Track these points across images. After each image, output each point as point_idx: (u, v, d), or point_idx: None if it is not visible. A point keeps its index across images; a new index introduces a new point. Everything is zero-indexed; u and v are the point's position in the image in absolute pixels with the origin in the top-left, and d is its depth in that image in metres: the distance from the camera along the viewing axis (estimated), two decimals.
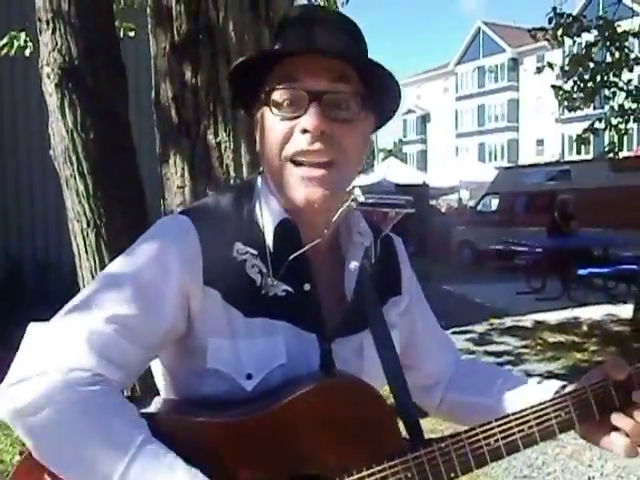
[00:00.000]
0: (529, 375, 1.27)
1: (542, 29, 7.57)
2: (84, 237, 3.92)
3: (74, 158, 3.85)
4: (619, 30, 7.35)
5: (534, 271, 11.11)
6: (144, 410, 0.99)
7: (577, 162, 16.83)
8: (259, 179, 1.09)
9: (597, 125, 7.46)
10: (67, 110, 3.84)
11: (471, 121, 52.88)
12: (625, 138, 7.92)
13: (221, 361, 0.99)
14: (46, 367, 0.87)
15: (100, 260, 3.92)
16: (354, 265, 1.07)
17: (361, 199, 1.05)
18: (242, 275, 1.00)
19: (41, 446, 0.88)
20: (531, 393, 1.12)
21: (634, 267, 7.96)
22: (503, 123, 49.92)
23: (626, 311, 7.41)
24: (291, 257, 1.01)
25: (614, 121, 7.48)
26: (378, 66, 0.99)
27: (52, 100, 3.86)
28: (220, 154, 2.25)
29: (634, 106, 7.47)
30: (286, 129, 0.98)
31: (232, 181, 2.26)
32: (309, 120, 0.95)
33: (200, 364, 1.00)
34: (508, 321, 8.22)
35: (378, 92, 1.04)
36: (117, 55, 4.07)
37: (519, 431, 0.99)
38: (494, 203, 16.02)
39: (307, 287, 1.03)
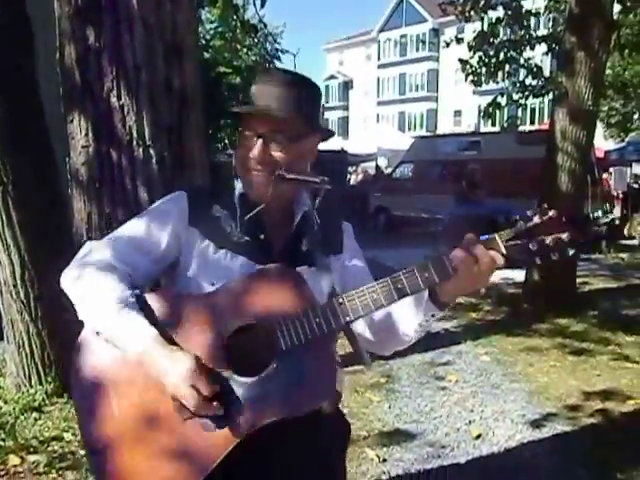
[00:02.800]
0: (428, 332, 1.60)
1: (452, 3, 7.86)
2: None
3: None
4: (524, 9, 7.74)
5: (442, 237, 11.61)
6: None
7: (487, 133, 17.50)
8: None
9: (499, 99, 7.87)
10: None
11: (392, 89, 53.43)
12: (536, 112, 8.37)
13: (196, 272, 1.53)
14: (87, 259, 1.49)
15: (7, 218, 3.94)
16: (295, 223, 1.59)
17: (284, 175, 1.49)
18: (217, 225, 1.55)
19: (74, 300, 1.47)
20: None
21: None
22: (423, 93, 50.66)
23: (521, 275, 7.93)
24: (247, 216, 1.53)
25: (515, 96, 7.91)
26: (300, 117, 1.53)
27: None
28: (123, 116, 2.37)
29: (534, 82, 7.92)
30: (246, 151, 1.54)
31: (135, 142, 2.39)
32: (254, 151, 1.51)
33: (184, 275, 1.54)
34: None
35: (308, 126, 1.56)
36: (22, 10, 4.02)
37: (394, 285, 1.42)
38: (409, 171, 16.48)
39: (262, 236, 1.56)
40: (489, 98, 8.17)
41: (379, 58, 54.32)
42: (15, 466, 3.26)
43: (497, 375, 5.06)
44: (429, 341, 5.31)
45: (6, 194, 3.91)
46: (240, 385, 1.38)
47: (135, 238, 1.53)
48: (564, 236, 1.41)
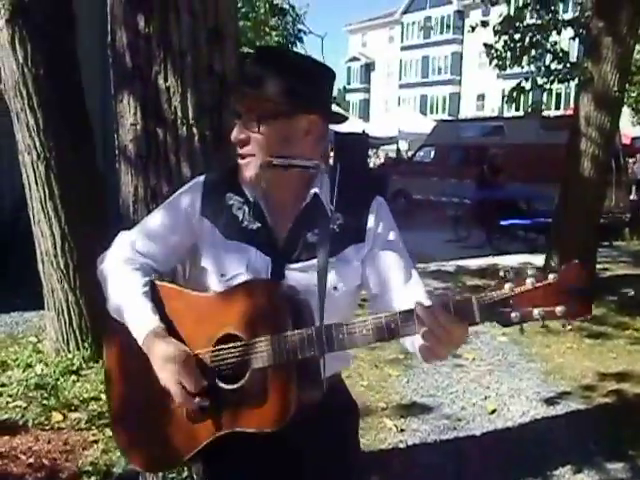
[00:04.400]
0: None
1: None
2: (34, 169, 4.13)
3: (24, 92, 4.02)
4: None
5: (461, 221, 11.71)
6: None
7: (510, 118, 17.43)
8: None
9: (524, 84, 7.90)
10: (17, 45, 3.99)
11: (415, 72, 52.93)
12: (562, 97, 8.38)
13: (208, 263, 1.54)
14: (112, 254, 1.59)
15: (50, 192, 4.15)
16: (296, 214, 1.51)
17: (271, 162, 1.43)
18: (229, 213, 1.53)
19: (105, 287, 1.55)
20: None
21: (550, 219, 8.54)
22: (446, 76, 50.08)
23: (541, 260, 8.01)
24: (256, 204, 1.51)
25: (540, 81, 7.93)
26: (280, 93, 1.43)
27: (2, 35, 3.99)
28: (169, 97, 2.53)
29: (560, 67, 7.94)
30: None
31: (179, 121, 2.55)
32: (233, 133, 1.47)
33: (198, 265, 1.58)
34: (432, 266, 8.78)
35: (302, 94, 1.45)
36: None
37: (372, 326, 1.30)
38: (430, 155, 16.48)
39: (270, 225, 1.51)
40: (513, 82, 8.18)
41: (402, 40, 53.76)
42: (58, 422, 3.49)
43: (513, 355, 5.20)
44: None
45: (49, 169, 4.11)
46: (219, 389, 1.40)
47: (153, 231, 1.58)
48: (558, 310, 1.19)
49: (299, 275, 1.48)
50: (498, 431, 3.80)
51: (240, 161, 1.48)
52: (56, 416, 3.52)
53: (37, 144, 4.07)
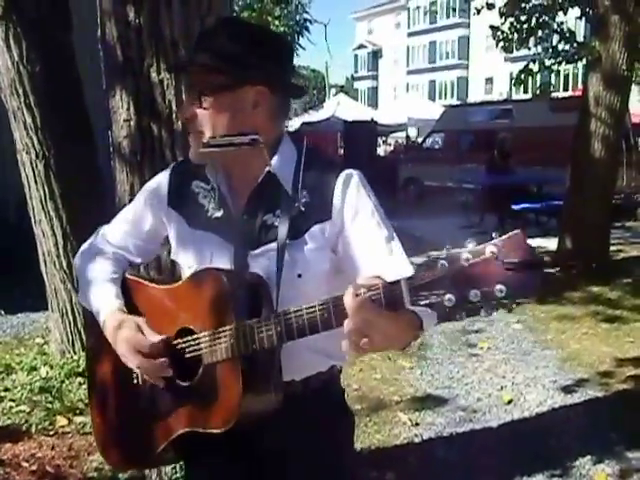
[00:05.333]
0: None
1: None
2: (33, 168, 4.07)
3: (21, 90, 3.94)
4: None
5: (473, 206, 11.57)
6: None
7: (519, 101, 17.22)
8: None
9: (532, 66, 7.76)
10: (12, 42, 3.91)
11: (422, 58, 52.59)
12: (570, 78, 8.25)
13: (176, 255, 1.51)
14: (86, 246, 1.59)
15: (50, 191, 4.08)
16: (247, 195, 1.42)
17: (206, 143, 1.36)
18: (195, 201, 1.46)
19: (79, 280, 1.56)
20: None
21: (562, 202, 8.42)
22: (454, 60, 49.74)
23: (554, 243, 7.89)
24: (217, 190, 1.44)
25: (547, 62, 7.79)
26: (216, 63, 1.35)
27: None
28: (162, 90, 2.44)
29: (567, 47, 7.79)
30: None
31: (174, 116, 2.47)
32: (181, 109, 1.50)
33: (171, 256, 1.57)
34: (444, 253, 8.66)
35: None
36: None
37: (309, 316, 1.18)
38: (440, 141, 16.34)
39: (230, 211, 1.42)
40: (521, 65, 8.06)
41: (409, 26, 53.41)
42: (62, 427, 3.43)
43: (529, 342, 5.10)
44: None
45: (48, 168, 4.05)
46: (177, 387, 1.36)
47: (125, 222, 1.57)
48: (497, 289, 1.01)
49: (263, 262, 1.36)
50: (515, 422, 3.72)
51: (190, 140, 1.42)
52: (60, 420, 3.46)
53: (35, 143, 4.00)
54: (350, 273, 1.35)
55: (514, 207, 10.04)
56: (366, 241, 1.36)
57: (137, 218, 1.55)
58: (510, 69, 40.98)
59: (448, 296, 1.03)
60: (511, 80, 8.41)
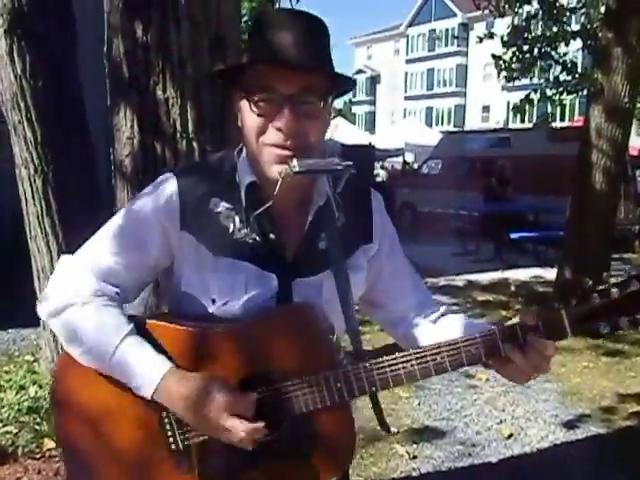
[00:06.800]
0: None
1: None
2: (31, 183, 3.99)
3: (22, 104, 3.88)
4: (558, 4, 7.64)
5: (470, 234, 11.54)
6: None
7: (517, 130, 17.29)
8: (244, 150, 1.31)
9: (533, 96, 7.78)
10: (16, 56, 3.86)
11: (420, 84, 53.11)
12: (567, 109, 8.28)
13: (192, 287, 1.28)
14: (65, 286, 1.25)
15: (47, 207, 4.00)
16: (309, 220, 1.29)
17: (296, 169, 1.16)
18: (216, 223, 1.26)
19: (61, 335, 1.25)
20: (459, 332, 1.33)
21: (562, 232, 8.40)
22: (451, 88, 50.29)
23: (552, 274, 7.84)
24: (255, 213, 1.25)
25: (549, 92, 7.81)
26: (337, 75, 1.23)
27: (1, 45, 3.87)
28: (168, 109, 2.39)
29: (568, 79, 7.82)
30: (262, 123, 1.20)
31: (179, 135, 2.41)
32: (282, 121, 1.17)
33: (178, 288, 1.31)
34: (442, 280, 8.60)
35: (337, 83, 1.26)
36: (67, 3, 4.09)
37: (432, 359, 1.21)
38: (437, 167, 16.36)
39: (272, 236, 1.27)
40: (518, 94, 8.10)
41: (407, 53, 54.03)
42: (50, 450, 3.31)
43: None
44: None
45: (46, 183, 3.97)
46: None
47: (120, 251, 1.25)
48: None
49: (307, 291, 1.28)
50: (515, 457, 3.62)
51: (276, 153, 1.20)
52: (48, 443, 3.34)
53: (34, 157, 3.93)
54: (379, 298, 1.43)
55: (512, 236, 10.01)
56: (404, 273, 1.44)
57: (138, 245, 1.26)
58: (507, 98, 41.53)
59: (603, 324, 1.19)
60: (508, 109, 8.43)
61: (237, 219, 1.26)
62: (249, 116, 1.21)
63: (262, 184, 1.26)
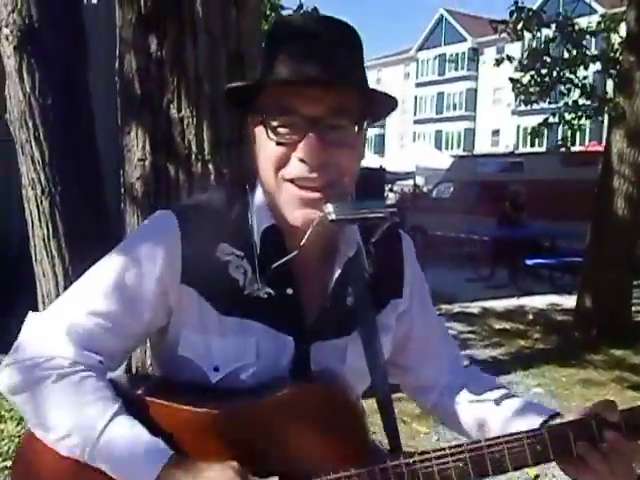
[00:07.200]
0: (474, 361, 1.33)
1: (503, 22, 7.68)
2: (38, 205, 3.85)
3: (30, 123, 3.76)
4: (577, 27, 7.53)
5: (484, 260, 11.36)
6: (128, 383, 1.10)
7: (530, 154, 17.19)
8: (258, 187, 1.10)
9: (551, 120, 7.65)
10: (25, 73, 3.74)
11: (430, 108, 53.31)
12: (578, 133, 8.13)
13: (191, 351, 1.07)
14: (35, 354, 1.01)
15: (54, 229, 3.86)
16: (336, 274, 1.09)
17: (332, 217, 0.97)
18: (223, 275, 1.05)
19: (28, 416, 1.02)
20: (518, 420, 1.12)
21: (579, 259, 8.22)
22: (461, 112, 50.45)
23: (570, 301, 7.64)
24: (275, 265, 1.03)
25: (567, 117, 7.68)
26: (374, 92, 1.03)
27: (10, 62, 3.75)
28: (182, 129, 2.24)
29: (587, 103, 7.69)
30: (282, 153, 1.00)
31: (194, 157, 2.26)
32: (306, 150, 0.97)
33: (173, 351, 1.09)
34: (456, 307, 8.41)
35: (373, 103, 1.06)
36: (79, 21, 3.98)
37: (490, 456, 1.00)
38: (448, 191, 16.24)
39: (290, 291, 1.06)
40: (529, 118, 8.04)
41: (417, 77, 54.31)
42: None
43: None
44: None
45: (53, 205, 3.83)
46: None
47: (103, 313, 1.04)
48: None
49: (328, 356, 1.07)
50: None
51: (300, 193, 0.99)
52: None
53: (42, 178, 3.80)
54: (408, 362, 1.22)
55: (528, 262, 9.82)
56: (437, 334, 1.25)
57: (129, 305, 1.04)
58: (517, 122, 41.55)
59: None
60: (519, 132, 8.30)
61: (249, 270, 1.05)
62: (266, 145, 1.02)
63: (281, 228, 1.06)
